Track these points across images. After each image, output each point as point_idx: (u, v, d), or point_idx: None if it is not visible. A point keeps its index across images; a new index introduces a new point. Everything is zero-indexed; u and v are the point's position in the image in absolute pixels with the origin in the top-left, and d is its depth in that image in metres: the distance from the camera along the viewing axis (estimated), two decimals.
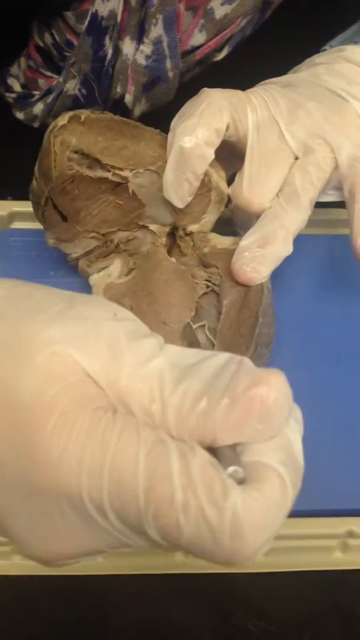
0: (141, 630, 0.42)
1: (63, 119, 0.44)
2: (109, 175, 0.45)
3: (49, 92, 0.56)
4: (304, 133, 0.45)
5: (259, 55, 0.59)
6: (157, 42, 0.51)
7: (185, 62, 0.54)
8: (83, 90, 0.54)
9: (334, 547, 0.44)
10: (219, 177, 0.46)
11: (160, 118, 0.49)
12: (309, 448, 0.45)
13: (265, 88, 0.47)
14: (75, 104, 0.55)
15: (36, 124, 0.58)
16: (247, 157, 0.45)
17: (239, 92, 0.46)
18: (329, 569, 0.44)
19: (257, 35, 0.57)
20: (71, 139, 0.44)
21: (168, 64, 0.52)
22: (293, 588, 0.43)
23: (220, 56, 0.56)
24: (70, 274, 0.51)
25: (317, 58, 0.51)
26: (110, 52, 0.52)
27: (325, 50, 0.53)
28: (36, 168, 0.45)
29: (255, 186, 0.45)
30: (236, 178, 0.46)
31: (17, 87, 0.59)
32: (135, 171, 0.45)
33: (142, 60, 0.52)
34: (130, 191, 0.46)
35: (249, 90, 0.47)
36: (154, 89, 0.54)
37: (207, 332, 0.45)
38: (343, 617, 0.43)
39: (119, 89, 0.54)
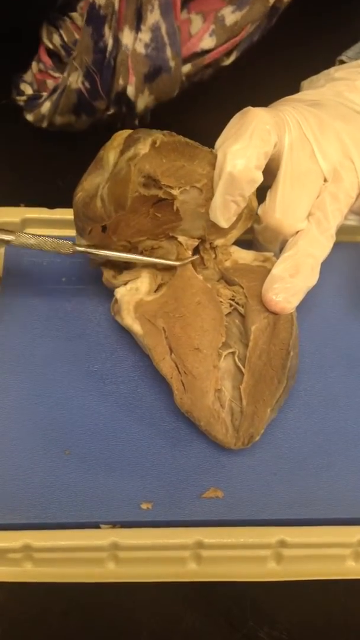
0: (153, 638, 0.41)
1: (144, 147, 0.43)
2: (160, 192, 0.45)
3: (55, 90, 0.56)
4: (335, 155, 0.45)
5: (265, 62, 0.60)
6: (155, 29, 0.51)
7: (194, 66, 0.55)
8: (86, 84, 0.54)
9: (347, 556, 0.43)
10: (252, 195, 0.46)
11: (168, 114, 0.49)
12: (321, 456, 0.45)
13: (295, 107, 0.47)
14: (79, 98, 0.55)
15: (44, 124, 0.58)
16: (280, 178, 0.45)
17: (279, 112, 0.46)
18: (342, 577, 0.43)
19: (265, 42, 0.58)
20: (145, 165, 0.43)
21: (168, 52, 0.52)
22: (305, 597, 0.43)
23: (228, 61, 0.57)
24: (82, 281, 0.51)
25: (335, 72, 0.51)
26: (110, 42, 0.52)
27: (341, 60, 0.53)
28: (105, 191, 0.44)
29: (288, 208, 0.45)
30: (267, 198, 0.46)
31: (29, 91, 0.59)
32: (182, 189, 0.45)
33: (141, 49, 0.52)
34: (175, 208, 0.46)
35: (281, 109, 0.46)
36: (156, 80, 0.54)
37: (236, 360, 0.45)
38: (355, 626, 0.43)
39: (121, 81, 0.54)
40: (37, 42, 0.57)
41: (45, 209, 0.54)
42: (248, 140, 0.43)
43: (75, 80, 0.54)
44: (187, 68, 0.55)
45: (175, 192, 0.45)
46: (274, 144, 0.44)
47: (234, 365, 0.45)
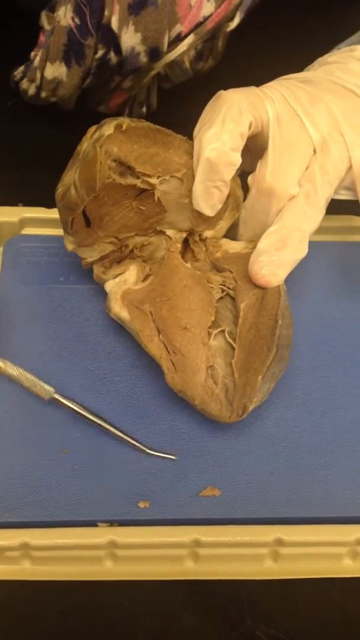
0: (150, 637, 0.42)
1: (109, 128, 0.43)
2: (138, 182, 0.45)
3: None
4: (324, 126, 0.45)
5: (269, 59, 0.60)
6: None
7: (198, 34, 0.55)
8: (76, 19, 0.53)
9: (344, 555, 0.43)
10: (235, 184, 0.46)
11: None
12: (318, 455, 0.46)
13: (282, 83, 0.47)
14: (69, 37, 0.54)
15: (37, 82, 0.57)
16: (269, 146, 0.45)
17: (254, 89, 0.46)
18: (339, 576, 0.43)
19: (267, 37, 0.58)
20: (113, 148, 0.44)
21: None
22: (302, 595, 0.43)
23: (232, 25, 0.56)
24: (80, 280, 0.51)
25: (328, 57, 0.52)
26: None
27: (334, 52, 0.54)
28: (76, 176, 0.45)
29: (279, 173, 0.44)
30: (257, 167, 0.45)
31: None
32: (161, 178, 0.45)
33: None
34: (156, 198, 0.46)
35: (264, 86, 0.47)
36: (142, 13, 0.52)
37: (227, 337, 0.45)
38: (352, 624, 0.43)
39: (106, 12, 0.53)
40: (34, 40, 0.57)
41: (43, 209, 0.54)
42: (221, 124, 0.43)
43: (64, 15, 0.53)
44: (190, 39, 0.54)
45: (153, 180, 0.45)
46: (249, 124, 0.44)
47: (226, 343, 0.45)
